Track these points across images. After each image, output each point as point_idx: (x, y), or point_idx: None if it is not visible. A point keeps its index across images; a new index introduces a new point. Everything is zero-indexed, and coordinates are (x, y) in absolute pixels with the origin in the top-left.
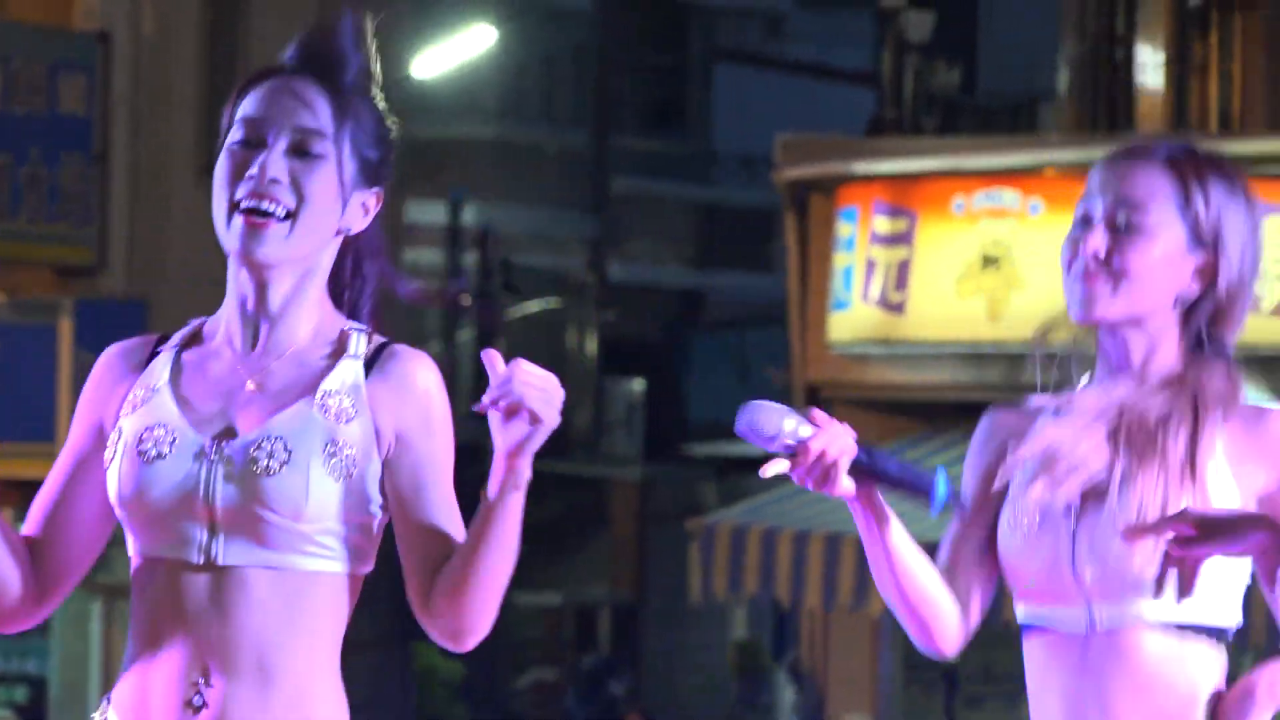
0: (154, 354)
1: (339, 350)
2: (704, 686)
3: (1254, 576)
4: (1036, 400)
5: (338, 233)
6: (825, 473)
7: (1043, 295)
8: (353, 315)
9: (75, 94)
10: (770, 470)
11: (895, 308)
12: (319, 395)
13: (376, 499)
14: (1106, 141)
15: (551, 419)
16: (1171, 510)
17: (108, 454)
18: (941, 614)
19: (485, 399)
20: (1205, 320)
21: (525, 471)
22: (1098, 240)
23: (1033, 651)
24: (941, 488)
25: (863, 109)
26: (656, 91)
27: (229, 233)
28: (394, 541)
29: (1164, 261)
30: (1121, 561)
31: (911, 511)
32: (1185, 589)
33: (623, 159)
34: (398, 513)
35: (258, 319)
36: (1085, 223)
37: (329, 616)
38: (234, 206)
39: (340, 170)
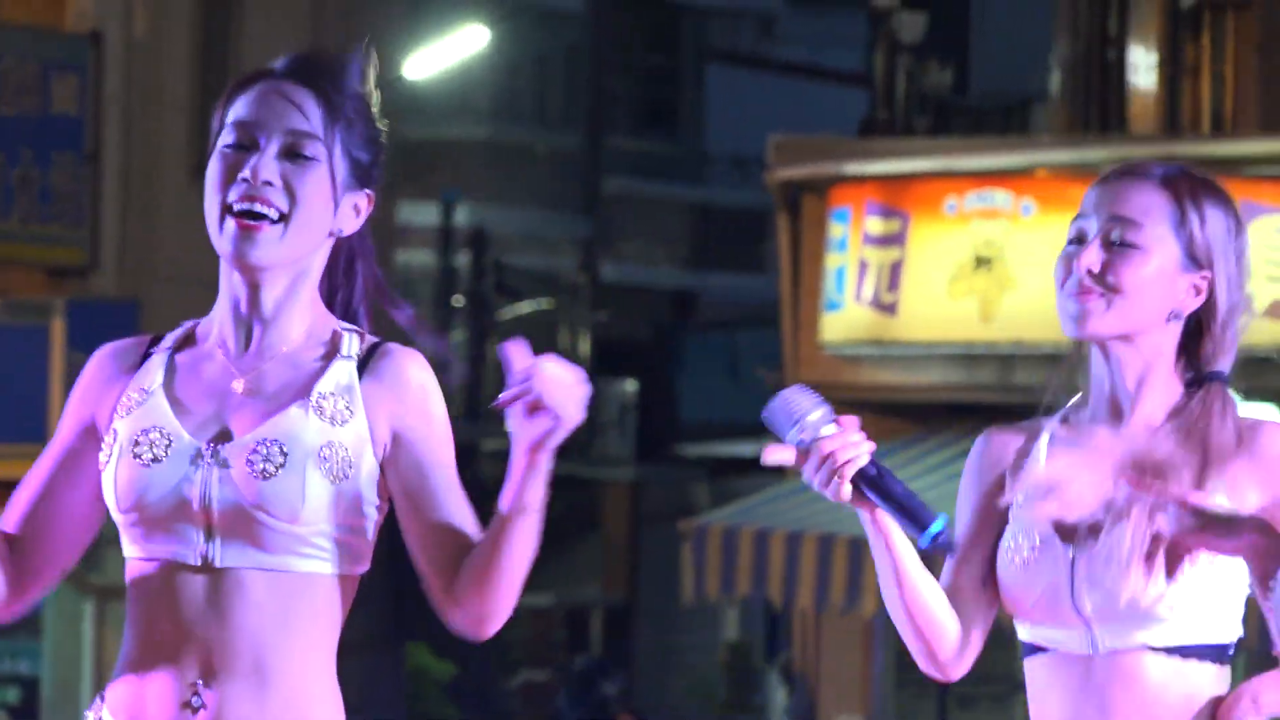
0: (147, 355)
1: (332, 351)
2: (696, 687)
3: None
4: (1032, 422)
5: (330, 234)
6: (830, 474)
7: (1034, 296)
8: (345, 317)
9: (67, 94)
10: (773, 456)
11: (887, 308)
12: (314, 398)
13: (372, 500)
14: (1099, 143)
15: (575, 417)
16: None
17: (103, 456)
18: (946, 636)
19: (506, 394)
20: (1200, 342)
21: (547, 464)
22: (1092, 257)
23: (1034, 672)
24: (938, 525)
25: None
26: (649, 92)
27: (222, 236)
28: (387, 543)
29: (1158, 278)
30: (1121, 590)
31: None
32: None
33: (615, 160)
34: (408, 510)
35: (251, 321)
36: (1079, 240)
37: (325, 617)
38: (226, 210)
39: (332, 172)
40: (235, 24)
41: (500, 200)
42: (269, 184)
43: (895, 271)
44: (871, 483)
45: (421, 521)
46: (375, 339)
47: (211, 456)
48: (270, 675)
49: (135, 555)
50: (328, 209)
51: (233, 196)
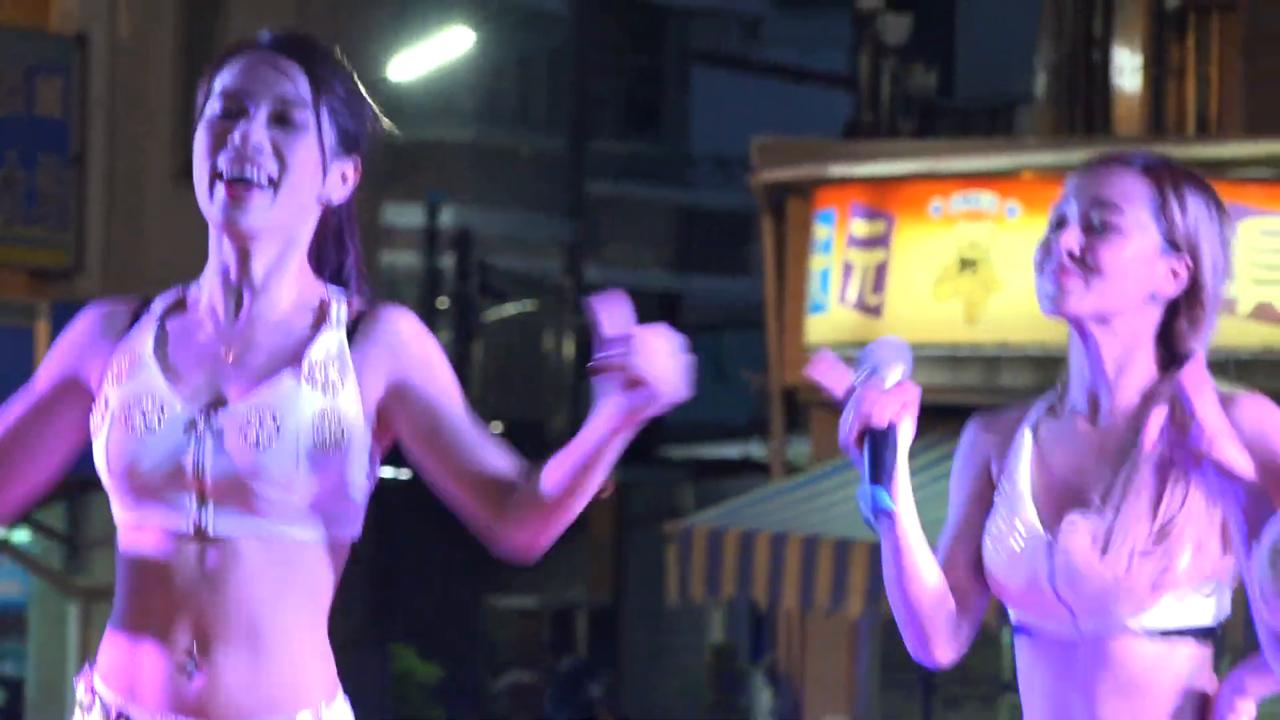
0: (136, 319)
1: (320, 319)
2: (681, 689)
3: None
4: (1018, 409)
5: (319, 202)
6: (853, 416)
7: (1020, 298)
8: (336, 284)
9: (52, 96)
10: (825, 374)
11: (872, 310)
12: (305, 366)
13: (364, 468)
14: (1084, 144)
15: (677, 392)
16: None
17: (94, 422)
18: (941, 620)
19: (603, 359)
20: (1177, 327)
21: (632, 433)
22: (1072, 239)
23: (1022, 650)
24: (885, 501)
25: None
26: (633, 94)
27: (212, 203)
28: (373, 545)
29: (1137, 260)
30: (1102, 576)
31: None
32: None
33: (599, 162)
34: (433, 453)
35: (240, 288)
36: (1060, 224)
37: (318, 583)
38: (216, 176)
39: (321, 139)
40: (220, 26)
41: (485, 202)
42: (259, 149)
43: (880, 273)
44: (875, 439)
45: (451, 457)
46: (361, 306)
47: (205, 425)
48: (264, 641)
49: (127, 523)
50: (317, 175)
51: (222, 162)
